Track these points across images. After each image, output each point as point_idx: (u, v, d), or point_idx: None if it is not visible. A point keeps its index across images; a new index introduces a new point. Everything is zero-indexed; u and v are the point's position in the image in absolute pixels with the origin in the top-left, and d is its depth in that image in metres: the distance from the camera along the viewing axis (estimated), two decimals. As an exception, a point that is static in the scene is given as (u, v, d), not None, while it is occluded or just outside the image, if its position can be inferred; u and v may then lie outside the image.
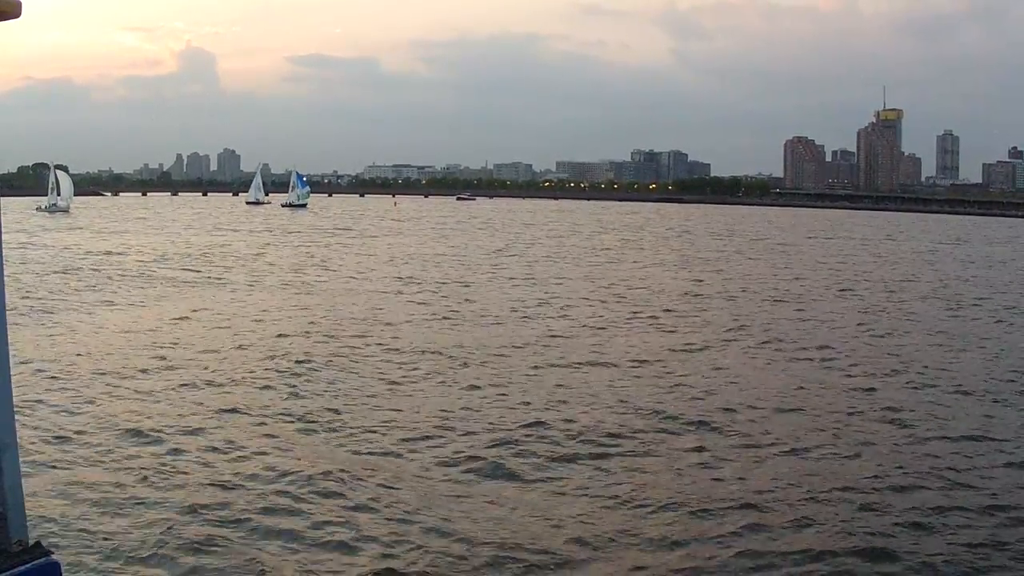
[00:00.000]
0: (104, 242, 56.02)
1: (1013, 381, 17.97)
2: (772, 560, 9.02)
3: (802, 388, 17.03)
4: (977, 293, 35.94)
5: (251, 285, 33.23)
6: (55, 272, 36.35)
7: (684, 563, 8.95)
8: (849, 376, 18.41)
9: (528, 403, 15.23)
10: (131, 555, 8.83)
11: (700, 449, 12.81)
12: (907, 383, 17.61)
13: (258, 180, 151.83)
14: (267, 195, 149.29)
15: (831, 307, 29.97)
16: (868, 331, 24.66)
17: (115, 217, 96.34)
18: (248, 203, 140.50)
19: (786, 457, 12.49)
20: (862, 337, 23.70)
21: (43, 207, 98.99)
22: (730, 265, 47.27)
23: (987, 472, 11.91)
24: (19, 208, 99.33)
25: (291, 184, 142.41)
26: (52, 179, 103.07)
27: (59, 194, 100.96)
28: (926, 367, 19.33)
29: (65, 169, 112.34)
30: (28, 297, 27.57)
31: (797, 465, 12.08)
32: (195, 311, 26.09)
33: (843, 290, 35.67)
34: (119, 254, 46.67)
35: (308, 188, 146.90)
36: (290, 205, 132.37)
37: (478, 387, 16.40)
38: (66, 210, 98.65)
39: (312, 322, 24.08)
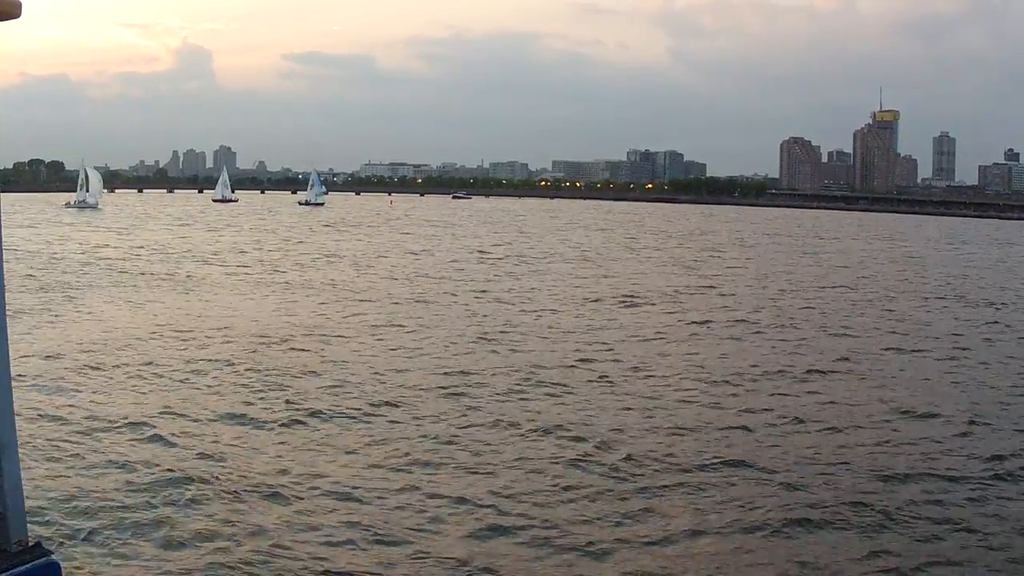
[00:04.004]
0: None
1: None
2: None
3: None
4: None
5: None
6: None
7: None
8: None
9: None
10: (132, 554, 8.82)
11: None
12: None
13: (224, 177, 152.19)
14: (233, 192, 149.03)
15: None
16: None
17: (159, 215, 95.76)
18: (215, 200, 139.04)
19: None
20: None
21: (72, 203, 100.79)
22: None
23: None
24: (44, 205, 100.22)
25: (310, 183, 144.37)
26: (82, 176, 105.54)
27: (88, 191, 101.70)
28: None
29: (55, 164, 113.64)
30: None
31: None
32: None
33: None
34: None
35: (325, 188, 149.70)
36: (307, 203, 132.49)
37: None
38: (95, 207, 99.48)
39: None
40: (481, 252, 52.58)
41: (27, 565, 2.69)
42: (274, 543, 9.36)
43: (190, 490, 10.70)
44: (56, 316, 24.44)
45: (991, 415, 15.64)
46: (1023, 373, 20.05)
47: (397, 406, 15.26)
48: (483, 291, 32.73)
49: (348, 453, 12.65)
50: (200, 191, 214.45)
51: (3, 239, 2.79)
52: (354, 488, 11.10)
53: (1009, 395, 17.55)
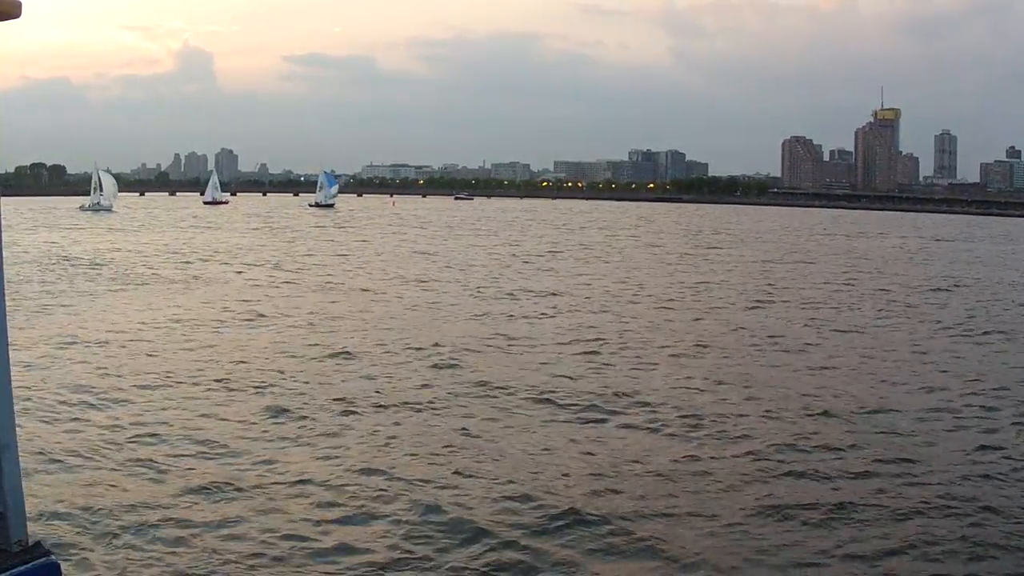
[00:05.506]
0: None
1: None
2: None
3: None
4: None
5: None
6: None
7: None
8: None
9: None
10: (133, 555, 8.82)
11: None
12: None
13: (214, 179, 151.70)
14: (230, 195, 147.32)
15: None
16: None
17: (171, 217, 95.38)
18: (205, 203, 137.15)
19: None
20: None
21: (87, 206, 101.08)
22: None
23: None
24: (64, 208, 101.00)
25: (319, 184, 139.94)
26: (95, 179, 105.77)
27: (102, 193, 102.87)
28: None
29: (57, 168, 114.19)
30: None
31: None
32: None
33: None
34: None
35: (336, 187, 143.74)
36: (318, 205, 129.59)
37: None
38: (110, 209, 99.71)
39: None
40: (490, 254, 52.84)
41: (27, 565, 2.70)
42: (290, 532, 9.42)
43: (198, 484, 10.74)
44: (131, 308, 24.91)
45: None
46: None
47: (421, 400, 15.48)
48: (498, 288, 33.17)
49: (370, 445, 12.74)
50: (202, 194, 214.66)
51: (8, 241, 2.80)
52: (389, 480, 11.21)
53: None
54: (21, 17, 2.85)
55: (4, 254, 2.83)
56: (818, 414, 14.88)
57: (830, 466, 12.04)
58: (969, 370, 19.31)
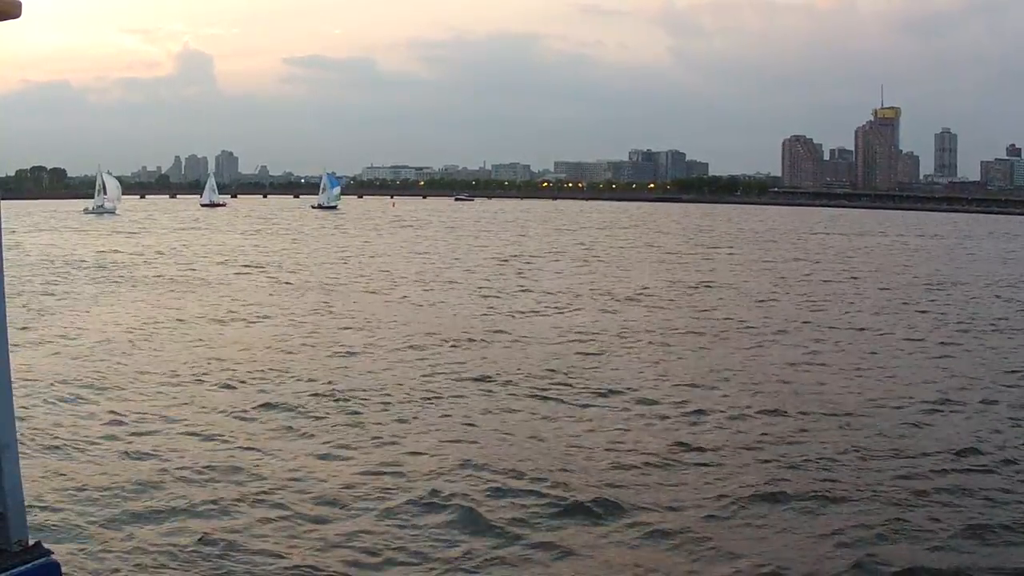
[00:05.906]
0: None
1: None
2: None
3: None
4: None
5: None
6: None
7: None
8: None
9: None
10: (134, 551, 8.83)
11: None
12: None
13: (211, 183, 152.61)
14: (229, 197, 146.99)
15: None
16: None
17: (177, 220, 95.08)
18: (203, 205, 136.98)
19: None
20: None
21: (91, 209, 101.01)
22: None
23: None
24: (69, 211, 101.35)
25: (321, 186, 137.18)
26: (99, 182, 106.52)
27: (106, 195, 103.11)
28: None
29: (57, 171, 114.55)
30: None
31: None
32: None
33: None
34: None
35: (339, 188, 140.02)
36: (321, 206, 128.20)
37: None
38: (113, 212, 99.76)
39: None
40: (491, 254, 52.78)
41: (27, 565, 2.71)
42: (291, 534, 9.39)
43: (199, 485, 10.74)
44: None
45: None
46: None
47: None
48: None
49: (373, 441, 12.81)
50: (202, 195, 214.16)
51: (12, 243, 2.82)
52: (393, 475, 11.26)
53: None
54: (21, 17, 2.86)
55: (6, 256, 2.84)
56: (818, 409, 14.96)
57: (830, 458, 12.13)
58: (968, 365, 19.42)
